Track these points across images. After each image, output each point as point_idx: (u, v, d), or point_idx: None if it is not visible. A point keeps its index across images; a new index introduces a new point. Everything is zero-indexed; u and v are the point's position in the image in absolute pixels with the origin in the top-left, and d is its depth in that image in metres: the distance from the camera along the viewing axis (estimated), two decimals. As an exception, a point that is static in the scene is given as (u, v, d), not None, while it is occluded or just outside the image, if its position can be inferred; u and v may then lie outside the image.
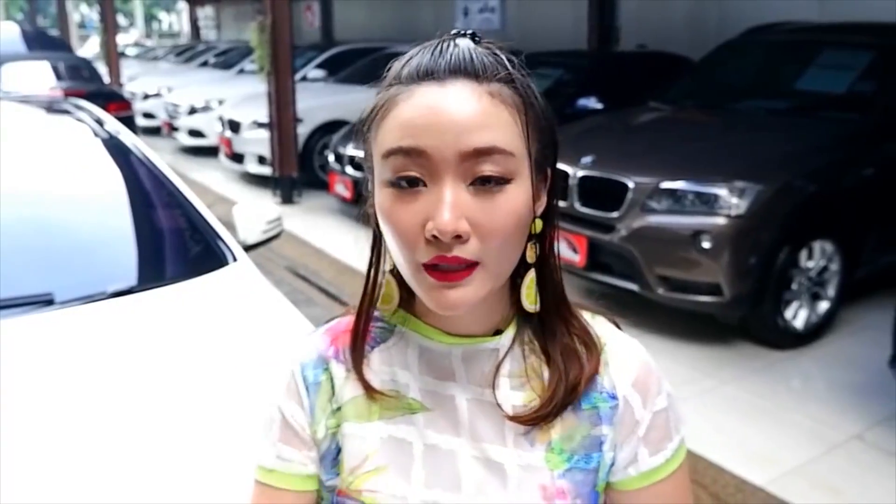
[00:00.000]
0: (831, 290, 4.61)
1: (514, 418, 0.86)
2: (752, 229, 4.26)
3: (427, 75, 0.78)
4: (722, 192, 4.26)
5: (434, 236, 0.75)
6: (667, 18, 9.87)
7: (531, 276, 0.86)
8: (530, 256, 0.85)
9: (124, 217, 2.84)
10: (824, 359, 4.41)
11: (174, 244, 2.90)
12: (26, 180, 2.75)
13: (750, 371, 4.25)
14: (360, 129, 0.85)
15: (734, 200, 4.23)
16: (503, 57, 0.81)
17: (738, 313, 4.46)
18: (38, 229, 2.51)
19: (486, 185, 0.76)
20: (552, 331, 0.89)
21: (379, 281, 0.90)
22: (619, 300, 4.90)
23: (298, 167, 8.58)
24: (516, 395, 0.88)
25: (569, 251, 4.72)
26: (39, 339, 2.10)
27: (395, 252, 0.81)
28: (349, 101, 8.87)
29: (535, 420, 0.86)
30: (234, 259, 2.68)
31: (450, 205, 0.74)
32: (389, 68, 0.84)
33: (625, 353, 0.92)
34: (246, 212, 3.15)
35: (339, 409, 0.91)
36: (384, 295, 0.90)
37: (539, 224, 0.85)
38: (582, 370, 0.87)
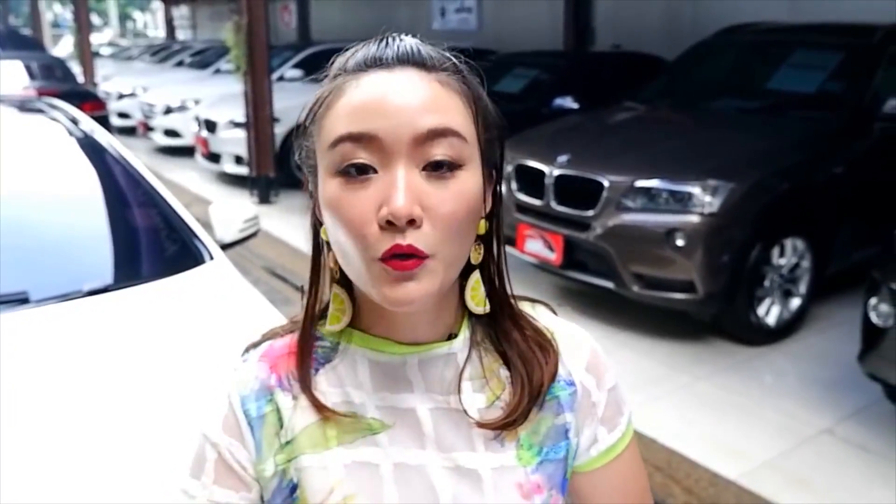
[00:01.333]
0: (802, 287, 4.67)
1: (482, 425, 0.83)
2: (725, 227, 4.31)
3: (375, 63, 0.77)
4: (695, 190, 4.31)
5: (388, 222, 0.71)
6: (641, 19, 9.94)
7: (475, 276, 0.84)
8: (475, 258, 0.82)
9: (100, 215, 2.83)
10: (796, 355, 4.47)
11: (150, 242, 2.89)
12: (0, 179, 2.73)
13: (723, 367, 4.30)
14: (301, 125, 0.81)
15: (707, 199, 4.28)
16: (449, 54, 0.80)
17: (711, 310, 4.51)
18: (13, 228, 2.50)
19: (438, 170, 0.74)
20: (505, 334, 0.87)
21: (319, 296, 0.85)
22: (594, 297, 4.96)
23: (275, 167, 8.55)
24: (479, 398, 0.85)
25: (545, 249, 4.75)
26: (14, 338, 2.09)
27: (344, 247, 0.76)
28: (326, 100, 8.83)
29: (503, 427, 0.84)
30: (211, 258, 2.68)
31: (404, 187, 0.71)
32: (332, 62, 0.81)
33: (574, 340, 0.91)
34: (223, 211, 3.15)
35: (289, 442, 0.84)
36: (333, 314, 0.84)
37: (484, 225, 0.82)
38: (543, 372, 0.86)
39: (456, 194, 0.74)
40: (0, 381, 1.88)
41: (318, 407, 0.83)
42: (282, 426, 0.84)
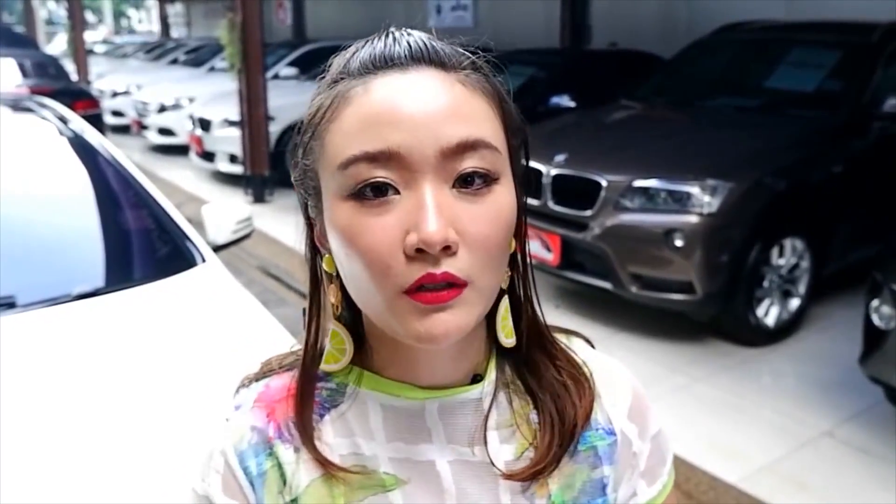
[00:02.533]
0: (802, 288, 4.65)
1: (509, 476, 0.73)
2: (724, 227, 4.28)
3: (384, 63, 0.65)
4: (694, 190, 4.27)
5: (419, 250, 0.60)
6: (638, 17, 9.92)
7: (504, 304, 0.73)
8: (504, 281, 0.72)
9: (90, 217, 2.78)
10: (795, 356, 4.44)
11: (141, 245, 2.85)
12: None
13: (721, 368, 4.27)
14: (299, 140, 0.70)
15: (706, 198, 4.25)
16: (463, 50, 0.69)
17: (710, 311, 4.48)
18: (0, 229, 2.46)
19: (470, 185, 0.63)
20: (535, 370, 0.77)
21: (320, 333, 0.76)
22: (592, 298, 4.93)
23: (270, 166, 8.51)
24: (507, 449, 0.75)
25: (542, 250, 4.71)
26: (0, 345, 2.04)
27: (361, 281, 0.65)
28: (321, 99, 8.83)
29: (533, 476, 0.74)
30: (203, 260, 2.64)
31: (435, 209, 0.60)
32: (329, 64, 0.70)
33: (615, 381, 0.81)
34: (215, 211, 3.11)
35: (294, 500, 0.74)
36: (330, 352, 0.74)
37: (512, 243, 0.71)
38: (576, 411, 0.76)
39: (492, 212, 0.64)
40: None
41: (322, 463, 0.73)
42: (285, 483, 0.74)
